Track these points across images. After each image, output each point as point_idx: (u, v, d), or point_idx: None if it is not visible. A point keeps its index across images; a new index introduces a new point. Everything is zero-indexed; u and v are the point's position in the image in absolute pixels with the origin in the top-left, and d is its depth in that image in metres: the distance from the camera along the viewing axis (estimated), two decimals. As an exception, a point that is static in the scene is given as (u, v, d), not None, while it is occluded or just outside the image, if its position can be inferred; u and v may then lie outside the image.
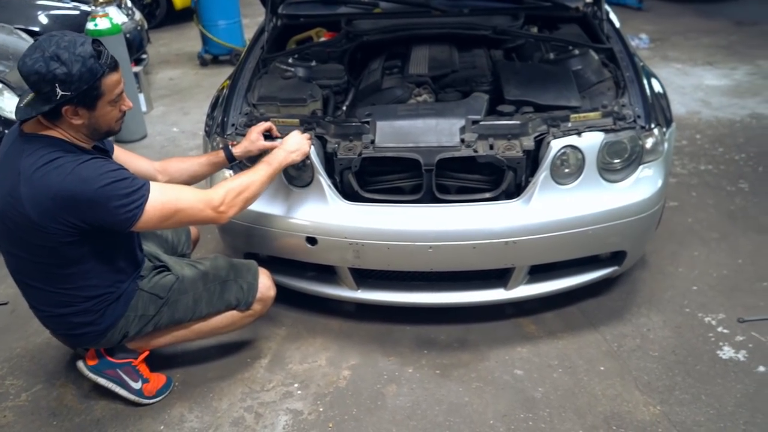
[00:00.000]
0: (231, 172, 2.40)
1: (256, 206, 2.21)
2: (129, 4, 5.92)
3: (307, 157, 2.23)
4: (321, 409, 2.18)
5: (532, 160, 2.26)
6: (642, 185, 2.29)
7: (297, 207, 2.30)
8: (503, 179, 2.24)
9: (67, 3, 5.48)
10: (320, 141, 2.32)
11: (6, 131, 2.16)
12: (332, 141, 2.30)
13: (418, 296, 2.44)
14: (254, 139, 2.27)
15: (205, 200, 1.92)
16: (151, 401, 2.22)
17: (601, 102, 2.40)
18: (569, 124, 2.25)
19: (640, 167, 2.30)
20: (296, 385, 2.30)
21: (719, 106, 4.72)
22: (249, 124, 2.38)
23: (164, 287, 2.10)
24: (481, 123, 2.27)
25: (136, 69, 5.14)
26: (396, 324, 2.56)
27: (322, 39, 3.26)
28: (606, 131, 2.24)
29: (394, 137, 2.27)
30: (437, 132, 2.26)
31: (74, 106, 1.74)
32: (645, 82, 2.50)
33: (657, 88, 2.64)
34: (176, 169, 2.28)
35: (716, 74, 5.43)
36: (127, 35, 4.97)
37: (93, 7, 4.49)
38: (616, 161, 2.28)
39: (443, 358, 2.39)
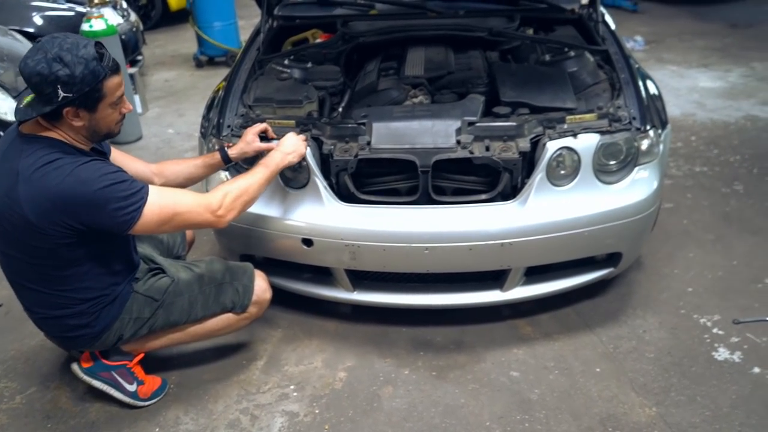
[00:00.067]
0: (227, 173, 2.40)
1: (252, 208, 2.20)
2: (124, 5, 5.91)
3: (303, 158, 2.22)
4: (317, 411, 2.18)
5: (528, 161, 2.26)
6: (637, 187, 2.30)
7: (293, 208, 2.30)
8: (499, 181, 2.24)
9: (62, 4, 5.46)
10: (316, 142, 2.32)
11: (1, 133, 2.15)
12: (328, 142, 2.29)
13: (414, 298, 2.44)
14: (250, 140, 2.27)
15: (203, 204, 1.91)
16: (146, 403, 2.22)
17: (596, 104, 2.41)
18: (565, 126, 2.25)
19: (636, 169, 2.31)
20: (292, 386, 2.29)
21: (714, 108, 4.73)
22: (245, 126, 2.38)
23: (159, 290, 2.10)
24: (477, 124, 2.27)
25: (132, 70, 5.13)
26: (392, 325, 2.55)
27: (318, 40, 3.26)
28: (602, 133, 2.24)
29: (390, 139, 2.27)
30: (433, 133, 2.26)
31: (75, 108, 1.74)
32: (640, 83, 2.51)
33: (652, 89, 2.64)
34: (172, 172, 2.27)
35: (711, 76, 5.45)
36: (123, 36, 4.96)
37: (88, 8, 4.48)
38: (611, 163, 2.29)
39: (439, 359, 2.39)
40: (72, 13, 5.31)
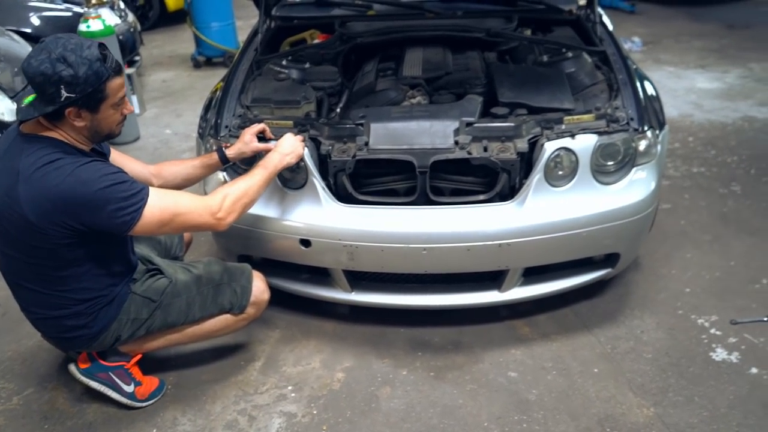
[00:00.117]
0: (225, 174, 2.40)
1: (250, 208, 2.20)
2: (122, 5, 5.90)
3: (302, 159, 2.22)
4: (315, 412, 2.18)
5: (526, 162, 2.26)
6: (635, 187, 2.30)
7: (291, 209, 2.30)
8: (497, 181, 2.24)
9: (60, 4, 5.45)
10: (314, 143, 2.32)
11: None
12: (326, 143, 2.29)
13: (412, 298, 2.44)
14: (248, 140, 2.26)
15: (203, 206, 1.91)
16: (144, 404, 2.21)
17: (594, 104, 2.41)
18: (563, 127, 2.25)
19: (634, 169, 2.31)
20: (290, 387, 2.29)
21: (711, 109, 4.74)
22: (242, 126, 2.38)
23: (157, 290, 2.09)
24: (475, 125, 2.27)
25: (129, 71, 5.12)
26: (390, 326, 2.55)
27: (316, 41, 3.26)
28: (599, 133, 2.24)
29: (388, 139, 2.27)
30: (431, 134, 2.26)
31: (78, 108, 1.74)
32: (638, 84, 2.51)
33: (650, 90, 2.65)
34: (170, 172, 2.27)
35: (708, 77, 5.46)
36: (120, 37, 4.95)
37: (85, 9, 4.47)
38: (609, 163, 2.29)
39: (437, 360, 2.39)
40: (69, 14, 5.30)
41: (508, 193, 2.26)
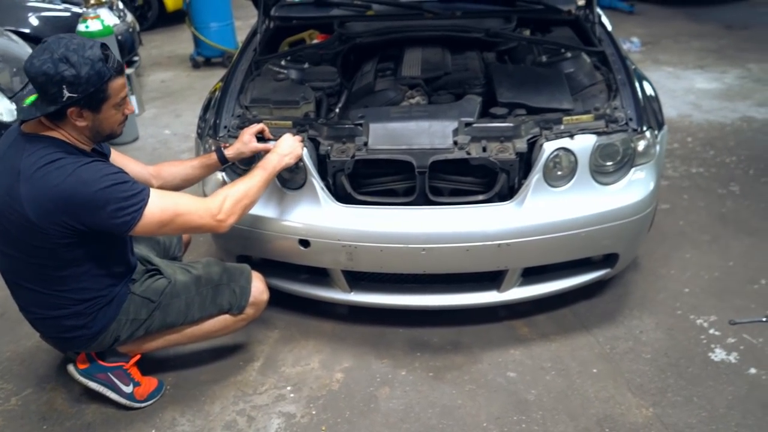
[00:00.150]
0: (224, 174, 2.39)
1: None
2: (120, 6, 5.90)
3: (300, 159, 2.22)
4: (314, 412, 2.18)
5: (525, 162, 2.26)
6: (634, 188, 2.30)
7: (290, 209, 2.30)
8: (496, 181, 2.24)
9: (59, 5, 5.45)
10: (313, 143, 2.32)
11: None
12: (325, 143, 2.29)
13: (411, 299, 2.44)
14: (247, 140, 2.26)
15: (204, 208, 1.91)
16: (143, 405, 2.21)
17: (593, 104, 2.41)
18: (562, 127, 2.25)
19: (632, 170, 2.31)
20: (289, 388, 2.29)
21: (710, 110, 4.75)
22: (241, 126, 2.37)
23: (156, 291, 2.09)
24: (474, 125, 2.27)
25: (128, 71, 5.12)
26: (389, 326, 2.55)
27: (315, 41, 3.26)
28: (598, 134, 2.24)
29: (387, 139, 2.26)
30: (430, 134, 2.26)
31: (80, 108, 1.75)
32: (637, 85, 2.51)
33: (649, 91, 2.65)
34: (169, 173, 2.27)
35: (707, 77, 5.47)
36: (119, 37, 4.95)
37: (84, 9, 4.47)
38: (608, 164, 2.29)
39: (436, 360, 2.39)
40: (68, 14, 5.30)
41: (507, 193, 2.26)
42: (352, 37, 2.98)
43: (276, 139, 2.23)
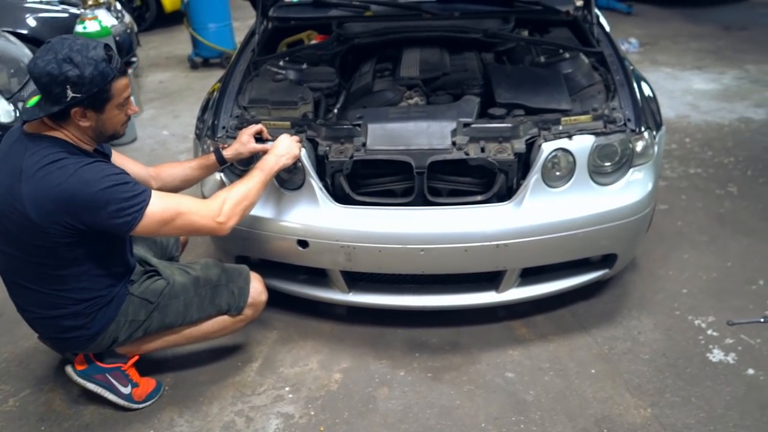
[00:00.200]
0: (222, 174, 2.39)
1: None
2: (118, 6, 5.91)
3: (299, 160, 2.22)
4: (312, 413, 2.18)
5: (523, 162, 2.26)
6: (632, 188, 2.30)
7: (288, 210, 2.29)
8: (494, 182, 2.25)
9: (56, 6, 5.45)
10: (311, 144, 2.32)
11: None
12: (323, 144, 2.29)
13: (410, 299, 2.44)
14: (245, 141, 2.26)
15: (204, 210, 1.92)
16: (141, 406, 2.21)
17: (591, 105, 2.41)
18: (560, 127, 2.26)
19: (631, 170, 2.31)
20: (287, 388, 2.29)
21: (708, 110, 4.75)
22: (240, 127, 2.37)
23: (155, 292, 2.09)
24: (473, 126, 2.27)
25: (126, 72, 5.11)
26: (387, 327, 2.55)
27: (313, 42, 3.26)
28: (597, 134, 2.25)
29: (386, 140, 2.27)
30: (428, 135, 2.26)
31: (83, 109, 1.75)
32: (635, 85, 2.52)
33: (647, 91, 2.65)
34: (168, 174, 2.27)
35: (705, 78, 5.47)
36: (117, 38, 4.95)
37: (82, 10, 4.47)
38: (606, 164, 2.29)
39: (435, 361, 2.39)
40: (66, 15, 5.30)
41: (506, 193, 2.27)
42: (351, 37, 2.98)
43: (274, 140, 2.23)
